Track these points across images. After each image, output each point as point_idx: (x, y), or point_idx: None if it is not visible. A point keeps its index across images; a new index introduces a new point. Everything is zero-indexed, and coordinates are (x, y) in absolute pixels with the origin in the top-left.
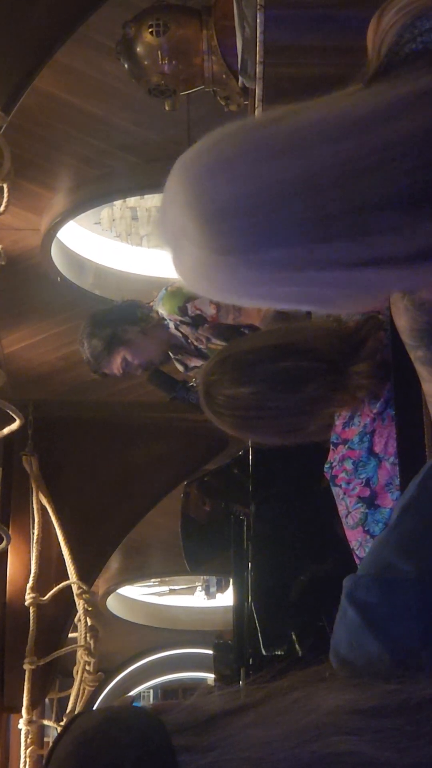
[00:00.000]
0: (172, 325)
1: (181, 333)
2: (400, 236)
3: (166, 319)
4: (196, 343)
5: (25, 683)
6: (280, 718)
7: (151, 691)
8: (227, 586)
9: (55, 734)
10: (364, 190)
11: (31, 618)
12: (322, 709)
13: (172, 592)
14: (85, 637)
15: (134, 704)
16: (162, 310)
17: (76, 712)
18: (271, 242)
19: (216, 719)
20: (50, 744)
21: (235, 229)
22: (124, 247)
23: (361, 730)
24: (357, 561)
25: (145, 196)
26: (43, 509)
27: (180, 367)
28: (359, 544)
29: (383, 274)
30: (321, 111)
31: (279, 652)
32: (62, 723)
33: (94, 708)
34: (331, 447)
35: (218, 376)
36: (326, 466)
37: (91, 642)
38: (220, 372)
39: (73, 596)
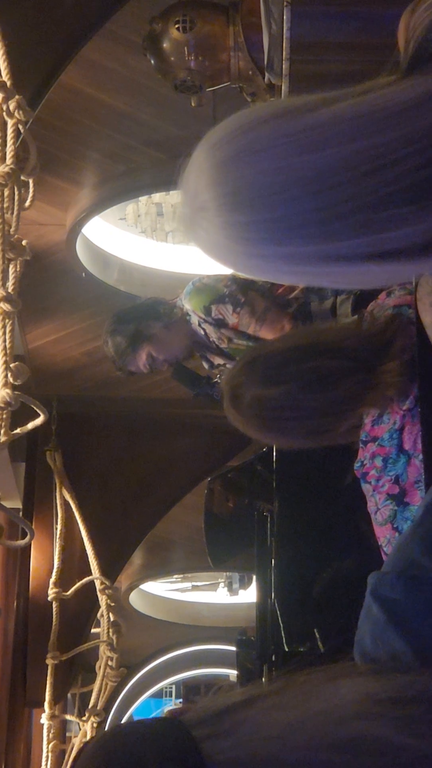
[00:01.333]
0: (195, 320)
1: (204, 330)
2: (413, 229)
3: (189, 314)
4: (217, 342)
5: (48, 678)
6: (301, 703)
7: (174, 686)
8: (250, 582)
9: (77, 729)
10: (383, 186)
11: (54, 613)
12: (343, 696)
13: (194, 588)
14: (108, 632)
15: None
16: (188, 305)
17: (98, 708)
18: (290, 238)
19: (233, 707)
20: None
21: (254, 221)
22: (149, 242)
23: (382, 716)
24: (384, 557)
25: (171, 192)
26: (66, 504)
27: (205, 364)
28: (387, 540)
29: (398, 266)
30: (352, 105)
31: (301, 649)
32: (84, 718)
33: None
34: (361, 445)
35: (246, 378)
36: (357, 464)
37: (114, 637)
38: (248, 373)
39: (95, 591)
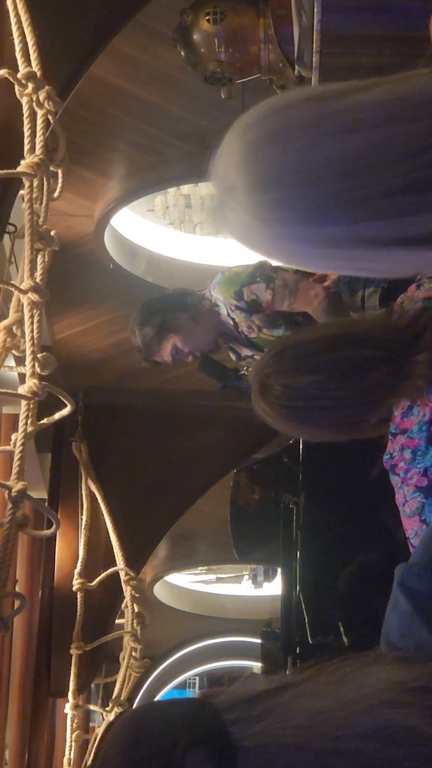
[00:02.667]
0: (224, 311)
1: (233, 320)
2: None
3: (218, 305)
4: (246, 332)
5: (72, 668)
6: (331, 691)
7: (197, 678)
8: (274, 575)
9: (101, 720)
10: (410, 171)
11: (79, 603)
12: (372, 685)
13: (219, 580)
14: (132, 623)
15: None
16: (217, 295)
17: (122, 698)
18: (316, 219)
19: (265, 694)
20: (95, 729)
21: (281, 201)
22: (177, 234)
23: (411, 705)
24: (412, 550)
25: (199, 184)
26: (91, 495)
27: (232, 356)
28: (415, 533)
29: (423, 253)
30: (381, 93)
31: (325, 641)
32: (108, 709)
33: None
34: (390, 438)
35: (275, 368)
36: (386, 456)
37: (138, 628)
38: (277, 363)
39: (120, 582)
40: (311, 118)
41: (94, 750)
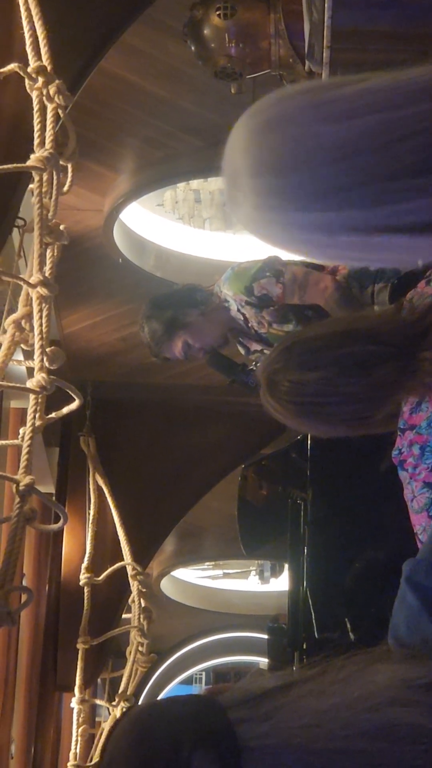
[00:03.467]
0: (234, 307)
1: (243, 315)
2: (429, 201)
3: (228, 301)
4: (256, 327)
5: (79, 662)
6: (336, 689)
7: (204, 673)
8: (281, 571)
9: (107, 714)
10: (401, 157)
11: (86, 598)
12: (378, 683)
13: (225, 575)
14: (139, 618)
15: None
16: (227, 290)
17: (128, 693)
18: (308, 205)
19: (271, 692)
20: (101, 724)
21: (277, 187)
22: (186, 229)
23: (417, 703)
24: (419, 545)
25: (209, 179)
26: (99, 490)
27: (242, 350)
28: (423, 528)
29: (415, 241)
30: (376, 82)
31: (332, 637)
32: (114, 703)
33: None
34: (399, 433)
35: (283, 364)
36: (394, 451)
37: (145, 623)
38: (285, 359)
39: (127, 577)
40: (308, 106)
41: (100, 749)
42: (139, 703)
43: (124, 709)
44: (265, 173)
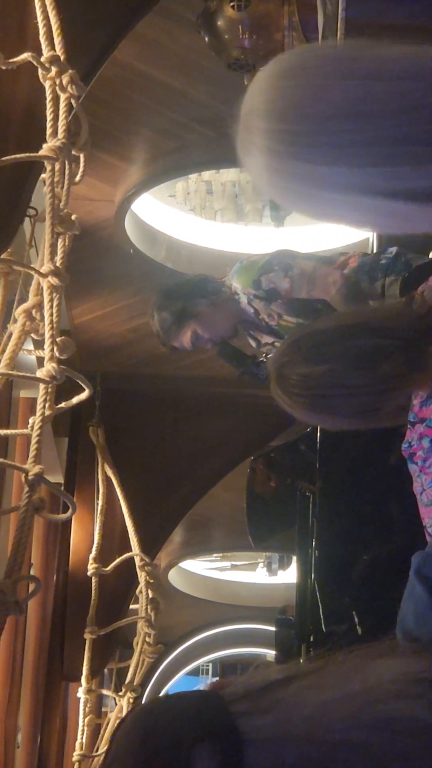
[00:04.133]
0: (244, 300)
1: (253, 308)
2: (427, 170)
3: (238, 293)
4: (267, 320)
5: (86, 652)
6: (339, 682)
7: (210, 665)
8: (289, 563)
9: (113, 704)
10: (408, 123)
11: (93, 588)
12: (382, 676)
13: (233, 567)
14: (146, 609)
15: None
16: (236, 284)
17: (134, 683)
18: (308, 156)
19: (273, 685)
20: (108, 714)
21: (283, 131)
22: (197, 220)
23: (420, 697)
24: (428, 539)
25: (221, 171)
26: (107, 480)
27: (252, 342)
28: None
29: (411, 208)
30: (400, 51)
31: (340, 630)
32: (120, 694)
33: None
34: (409, 426)
35: (291, 357)
36: (404, 444)
37: (152, 614)
38: (293, 353)
39: (135, 568)
40: (330, 61)
41: (106, 741)
42: (145, 694)
43: (131, 700)
44: (277, 118)
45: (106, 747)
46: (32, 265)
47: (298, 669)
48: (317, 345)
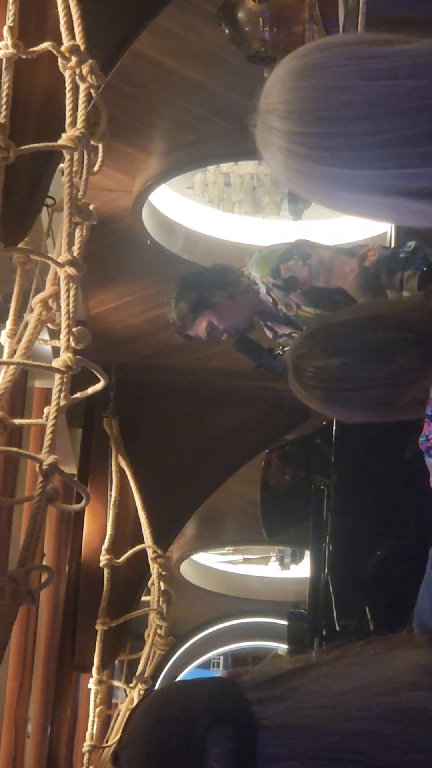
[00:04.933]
0: (263, 289)
1: (272, 298)
2: None
3: (257, 284)
4: (285, 310)
5: (97, 643)
6: (354, 672)
7: (222, 658)
8: (302, 557)
9: (124, 696)
10: (427, 123)
11: (105, 579)
12: (396, 667)
13: (246, 561)
14: (158, 601)
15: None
16: (255, 273)
17: (145, 675)
18: (325, 158)
19: (288, 674)
20: (118, 705)
21: (299, 134)
22: (215, 212)
23: None
24: None
25: (239, 163)
26: (121, 472)
27: (269, 333)
28: None
29: (427, 207)
30: (419, 47)
31: (352, 625)
32: (131, 685)
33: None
34: (426, 420)
35: (308, 349)
36: (421, 438)
37: (164, 606)
38: (309, 345)
39: (147, 560)
40: (347, 59)
41: (118, 730)
42: (156, 686)
43: (142, 692)
44: (296, 121)
45: (116, 738)
46: (49, 255)
47: (314, 659)
48: (334, 337)
